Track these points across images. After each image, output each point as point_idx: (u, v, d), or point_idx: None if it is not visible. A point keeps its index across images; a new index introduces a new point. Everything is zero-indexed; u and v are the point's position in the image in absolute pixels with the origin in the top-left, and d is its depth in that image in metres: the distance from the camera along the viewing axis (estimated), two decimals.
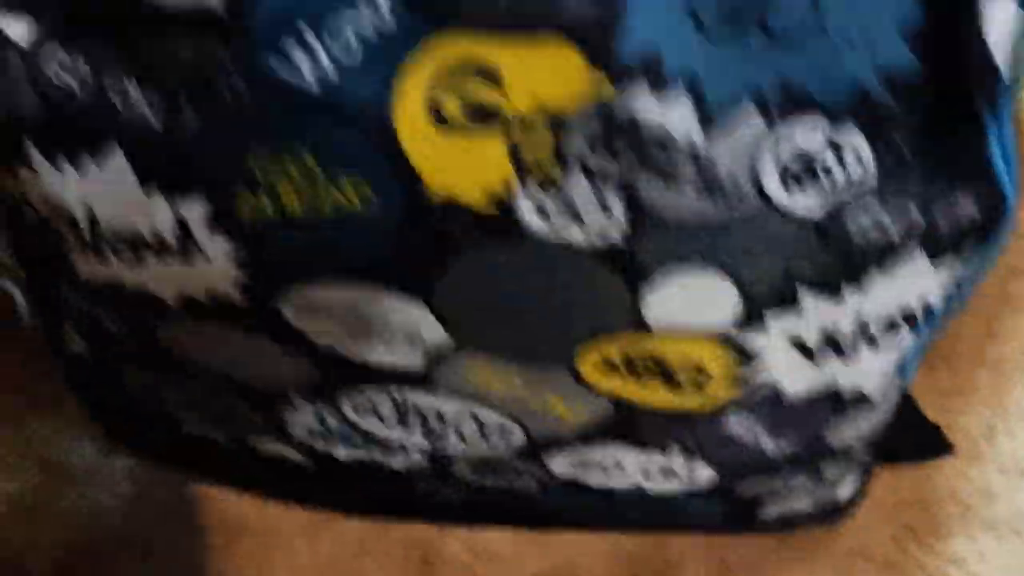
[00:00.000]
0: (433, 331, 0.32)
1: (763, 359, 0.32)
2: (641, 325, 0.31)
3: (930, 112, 0.28)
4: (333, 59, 0.27)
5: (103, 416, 0.40)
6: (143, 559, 0.42)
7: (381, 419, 0.35)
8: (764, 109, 0.28)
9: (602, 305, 0.31)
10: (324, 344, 0.33)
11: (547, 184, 0.29)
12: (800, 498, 0.39)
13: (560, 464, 0.37)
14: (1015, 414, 0.45)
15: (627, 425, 0.35)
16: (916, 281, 0.32)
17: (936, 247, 0.31)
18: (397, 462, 0.38)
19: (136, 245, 0.31)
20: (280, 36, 0.27)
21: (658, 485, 0.38)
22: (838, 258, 0.30)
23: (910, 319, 0.33)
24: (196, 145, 0.29)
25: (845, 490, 0.40)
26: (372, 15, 0.26)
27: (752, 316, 0.31)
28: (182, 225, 0.30)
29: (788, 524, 0.41)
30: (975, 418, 0.45)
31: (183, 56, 0.28)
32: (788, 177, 0.29)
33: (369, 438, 0.37)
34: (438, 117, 0.28)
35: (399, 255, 0.30)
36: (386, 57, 0.27)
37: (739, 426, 0.35)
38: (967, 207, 0.30)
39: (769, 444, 0.36)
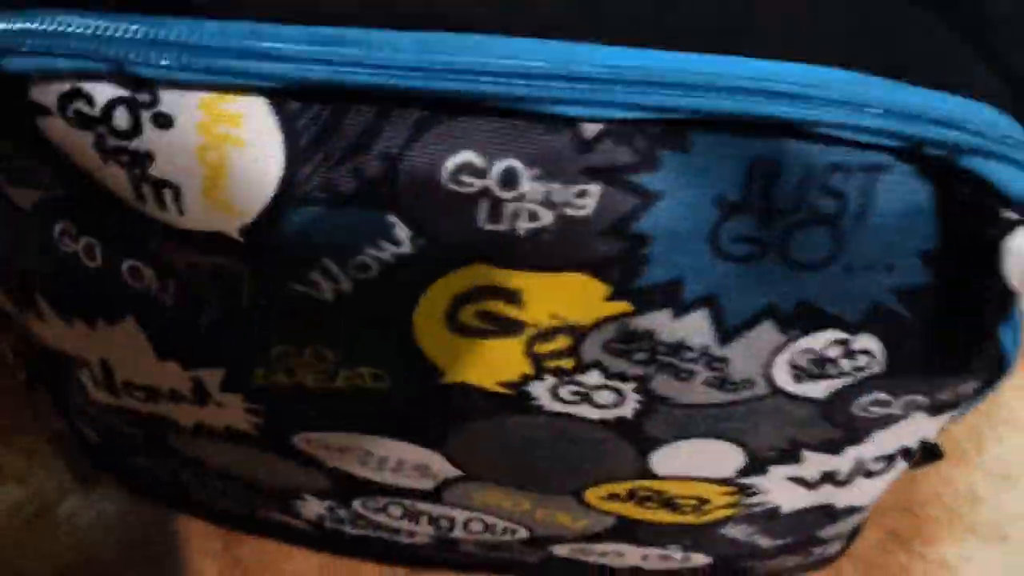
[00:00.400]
0: (444, 468, 0.33)
1: (762, 492, 0.33)
2: (648, 474, 0.32)
3: (943, 321, 0.28)
4: (354, 281, 0.27)
5: (105, 467, 0.41)
6: (143, 565, 0.43)
7: (390, 516, 0.37)
8: (782, 325, 0.28)
9: (611, 462, 0.32)
10: (335, 468, 0.34)
11: (562, 377, 0.29)
12: (789, 563, 0.41)
13: (562, 550, 0.38)
14: (1003, 419, 0.46)
15: (628, 532, 0.36)
16: (916, 429, 0.32)
17: (938, 410, 0.31)
18: (403, 540, 0.39)
19: (150, 392, 0.31)
20: (301, 266, 0.26)
21: (654, 566, 0.39)
22: (841, 429, 0.31)
23: (907, 453, 0.33)
24: (215, 332, 0.29)
25: (833, 549, 0.41)
26: (394, 250, 0.26)
27: (755, 468, 0.32)
28: (198, 384, 0.30)
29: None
30: (963, 423, 0.46)
31: (202, 264, 0.27)
32: (799, 371, 0.29)
33: (379, 525, 0.38)
34: (457, 326, 0.28)
35: (411, 420, 0.30)
36: (406, 280, 0.27)
37: (736, 531, 0.36)
38: (972, 385, 0.30)
39: (764, 541, 0.37)
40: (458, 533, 0.37)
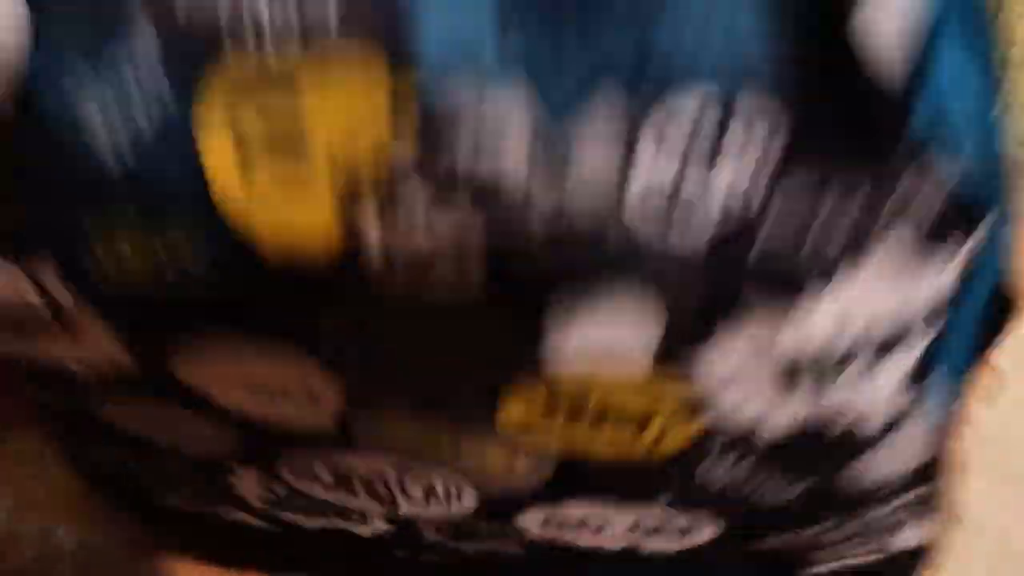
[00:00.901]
0: (328, 390, 0.28)
1: (711, 391, 0.27)
2: (549, 364, 0.26)
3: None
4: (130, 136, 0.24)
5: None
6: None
7: (323, 484, 0.32)
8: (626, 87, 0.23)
9: (498, 343, 0.26)
10: (232, 407, 0.30)
11: (382, 203, 0.24)
12: (848, 553, 0.33)
13: (533, 523, 0.32)
14: None
15: (584, 479, 0.30)
16: (893, 285, 0.25)
17: (925, 238, 0.24)
18: (363, 530, 0.34)
19: (19, 323, 0.29)
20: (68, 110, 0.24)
21: (653, 544, 0.32)
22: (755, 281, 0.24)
23: (904, 333, 0.26)
24: (34, 213, 0.26)
25: (906, 538, 0.33)
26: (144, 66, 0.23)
27: (677, 345, 0.26)
28: (41, 288, 0.28)
29: None
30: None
31: None
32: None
33: (325, 505, 0.33)
34: (244, 147, 0.24)
35: (255, 312, 0.26)
36: (178, 103, 0.24)
37: (720, 470, 0.29)
38: (930, 189, 0.24)
39: (765, 490, 0.30)
40: (404, 506, 0.32)
